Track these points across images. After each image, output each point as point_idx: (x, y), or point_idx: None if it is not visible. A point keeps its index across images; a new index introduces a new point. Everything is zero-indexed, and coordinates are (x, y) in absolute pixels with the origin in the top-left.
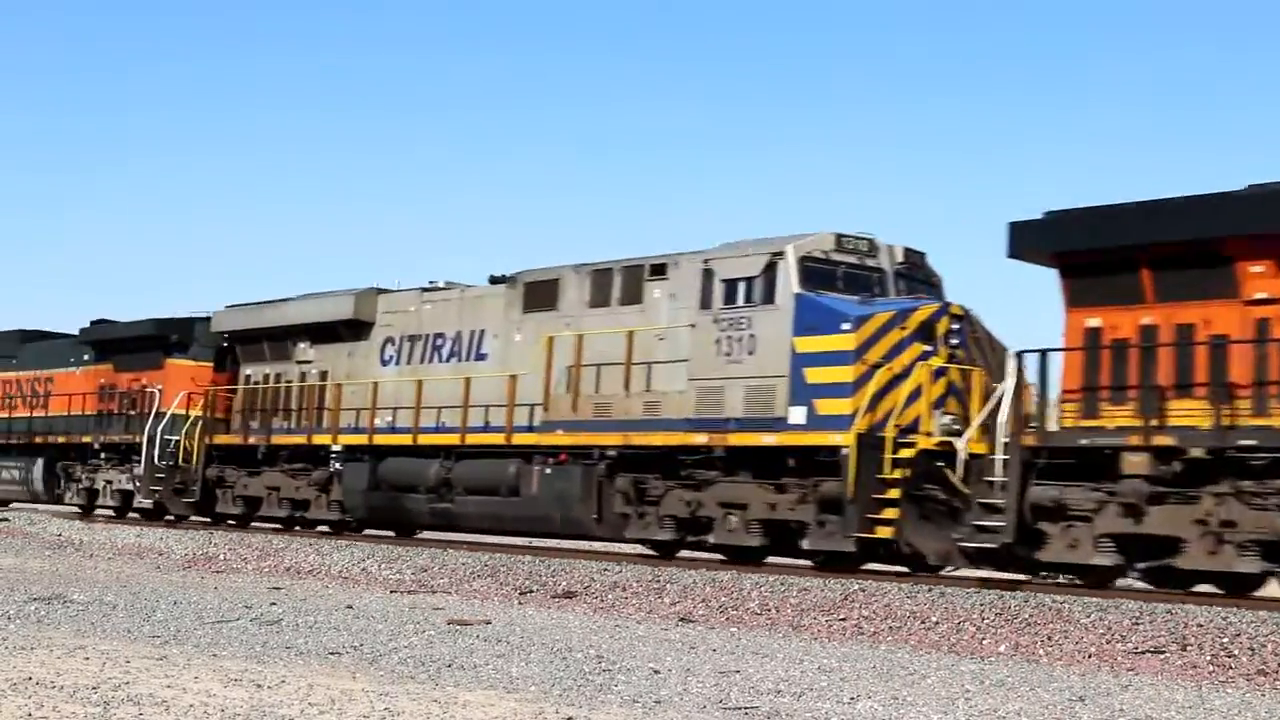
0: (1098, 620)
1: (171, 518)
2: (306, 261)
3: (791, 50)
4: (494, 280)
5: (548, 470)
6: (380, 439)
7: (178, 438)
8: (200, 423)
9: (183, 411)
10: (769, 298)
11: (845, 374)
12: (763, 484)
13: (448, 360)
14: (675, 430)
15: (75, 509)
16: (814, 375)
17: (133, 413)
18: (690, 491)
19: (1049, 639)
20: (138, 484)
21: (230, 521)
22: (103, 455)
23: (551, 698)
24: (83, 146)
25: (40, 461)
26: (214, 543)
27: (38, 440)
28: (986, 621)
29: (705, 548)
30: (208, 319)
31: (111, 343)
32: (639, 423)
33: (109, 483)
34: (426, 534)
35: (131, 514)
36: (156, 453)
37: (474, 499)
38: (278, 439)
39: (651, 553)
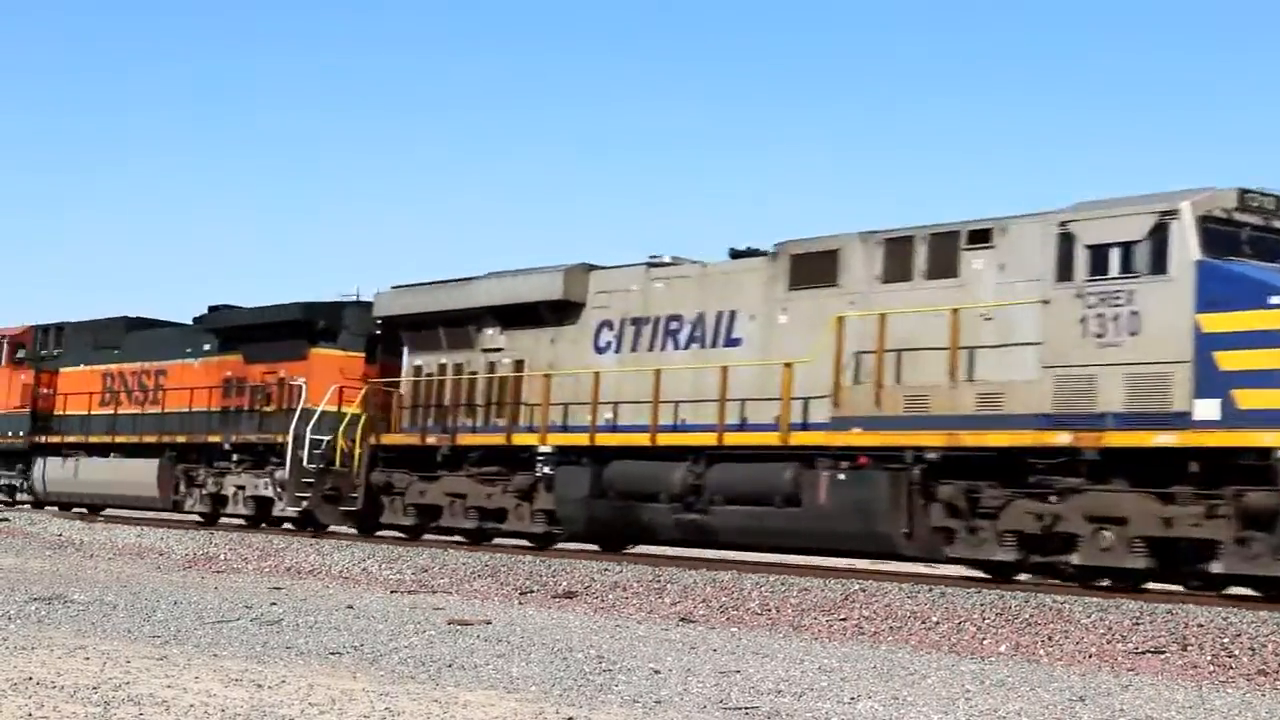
0: (1098, 620)
1: (321, 528)
2: (307, 261)
3: (790, 51)
4: (737, 254)
5: (840, 476)
6: (605, 439)
7: (328, 437)
8: (363, 421)
9: (333, 408)
10: (1158, 266)
11: (1277, 358)
12: (1148, 494)
13: (686, 347)
14: (1023, 428)
15: (196, 518)
16: (1229, 360)
17: (268, 409)
18: (1042, 502)
19: (1049, 639)
20: (279, 490)
21: (399, 534)
22: (235, 457)
23: (552, 698)
24: (85, 144)
25: (155, 464)
26: (214, 543)
27: (149, 440)
28: (987, 621)
29: (1062, 573)
30: (358, 303)
31: (241, 330)
32: (971, 419)
33: (240, 488)
34: (424, 535)
35: (265, 524)
36: (305, 455)
37: (736, 510)
38: (465, 439)
39: (980, 574)
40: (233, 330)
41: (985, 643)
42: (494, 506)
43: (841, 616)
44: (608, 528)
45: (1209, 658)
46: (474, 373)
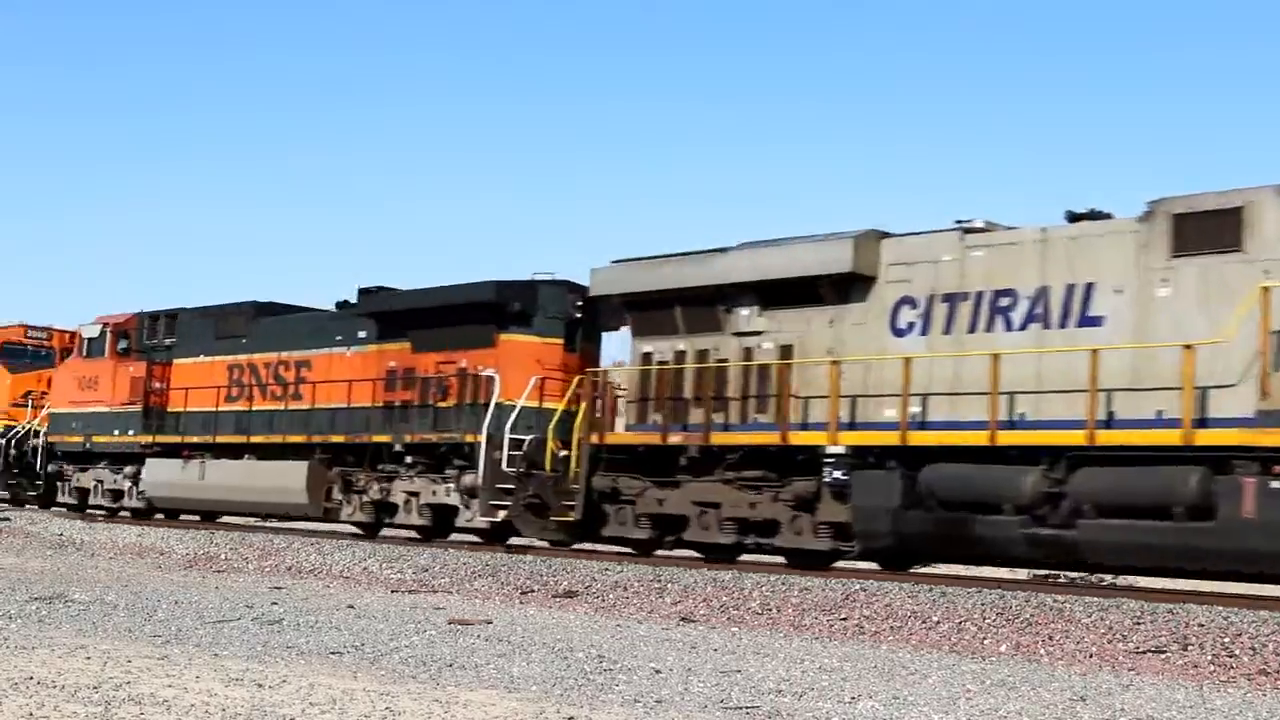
0: (1099, 620)
1: (519, 542)
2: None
3: (792, 49)
4: (1077, 217)
5: (1275, 484)
6: (922, 438)
7: (528, 436)
8: (581, 417)
9: (534, 403)
10: None
11: None
12: None
13: (1022, 327)
14: None
15: (352, 529)
16: None
17: (443, 404)
18: None
19: (1050, 639)
20: (467, 498)
21: (628, 550)
22: (408, 459)
23: (553, 697)
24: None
25: (304, 467)
26: (215, 542)
27: (295, 440)
28: (988, 621)
29: None
30: (555, 282)
31: (408, 315)
32: None
33: (413, 495)
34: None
35: (440, 537)
36: (504, 456)
37: (1113, 524)
38: (721, 438)
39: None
40: (398, 315)
41: (986, 642)
42: (760, 518)
43: (842, 616)
44: (931, 542)
45: (1210, 657)
46: (724, 360)
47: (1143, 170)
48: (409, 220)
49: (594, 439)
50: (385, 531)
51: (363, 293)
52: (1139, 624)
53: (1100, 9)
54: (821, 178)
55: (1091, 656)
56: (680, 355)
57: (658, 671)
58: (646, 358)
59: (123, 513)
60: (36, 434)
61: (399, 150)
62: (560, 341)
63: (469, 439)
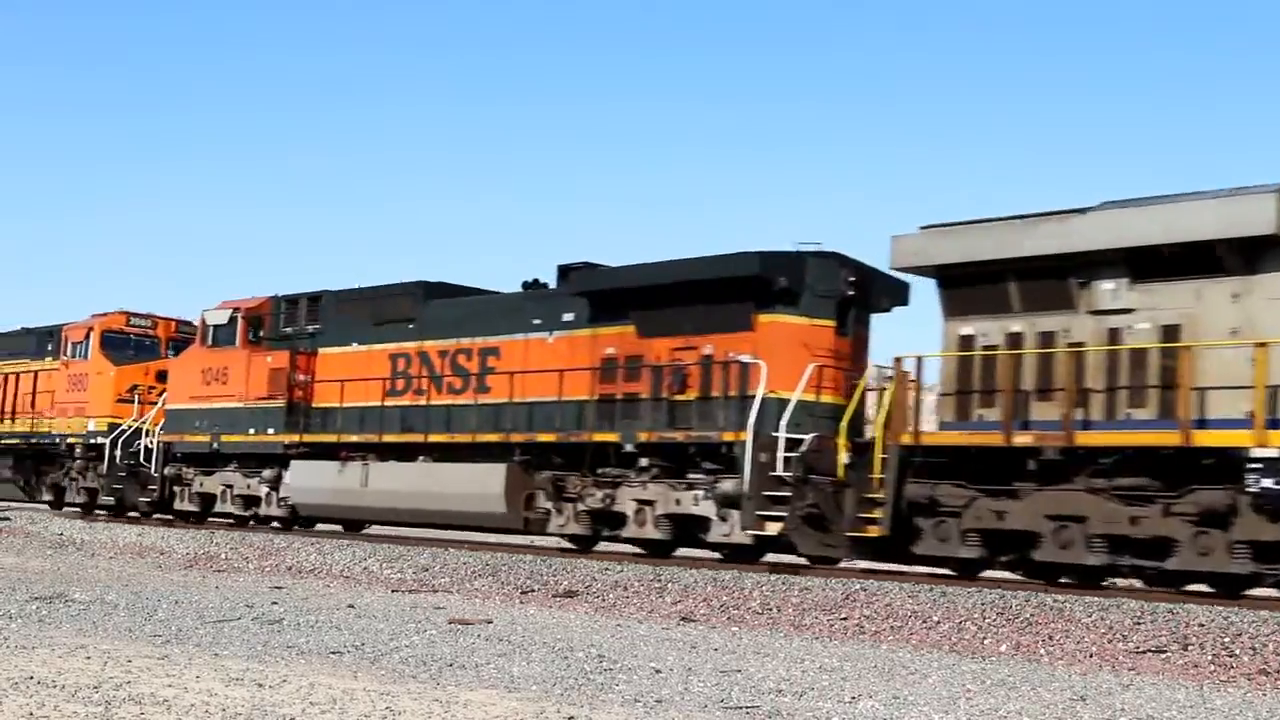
0: (1099, 620)
1: (802, 561)
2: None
3: (791, 49)
4: None
5: None
6: None
7: (808, 435)
8: (884, 412)
9: (810, 396)
10: None
11: None
12: None
13: None
14: None
15: (564, 542)
16: None
17: (681, 396)
18: None
19: (1050, 638)
20: (722, 507)
21: (945, 571)
22: (643, 462)
23: (553, 697)
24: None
25: (500, 471)
26: (215, 542)
27: (488, 439)
28: (988, 621)
29: None
30: (824, 255)
31: (633, 294)
32: None
33: (646, 504)
34: (428, 532)
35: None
36: (779, 460)
37: None
38: (1089, 438)
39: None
40: (619, 294)
41: (986, 642)
42: (1145, 536)
43: (842, 616)
44: None
45: (1210, 657)
46: (1079, 343)
47: (1141, 170)
48: (410, 220)
49: (905, 439)
50: (601, 545)
51: (565, 271)
52: (1139, 624)
53: (1104, 9)
54: (821, 178)
55: (1092, 656)
56: (1015, 338)
57: (658, 671)
58: (966, 341)
59: (256, 521)
60: (148, 433)
61: (399, 150)
62: (831, 324)
63: (728, 437)
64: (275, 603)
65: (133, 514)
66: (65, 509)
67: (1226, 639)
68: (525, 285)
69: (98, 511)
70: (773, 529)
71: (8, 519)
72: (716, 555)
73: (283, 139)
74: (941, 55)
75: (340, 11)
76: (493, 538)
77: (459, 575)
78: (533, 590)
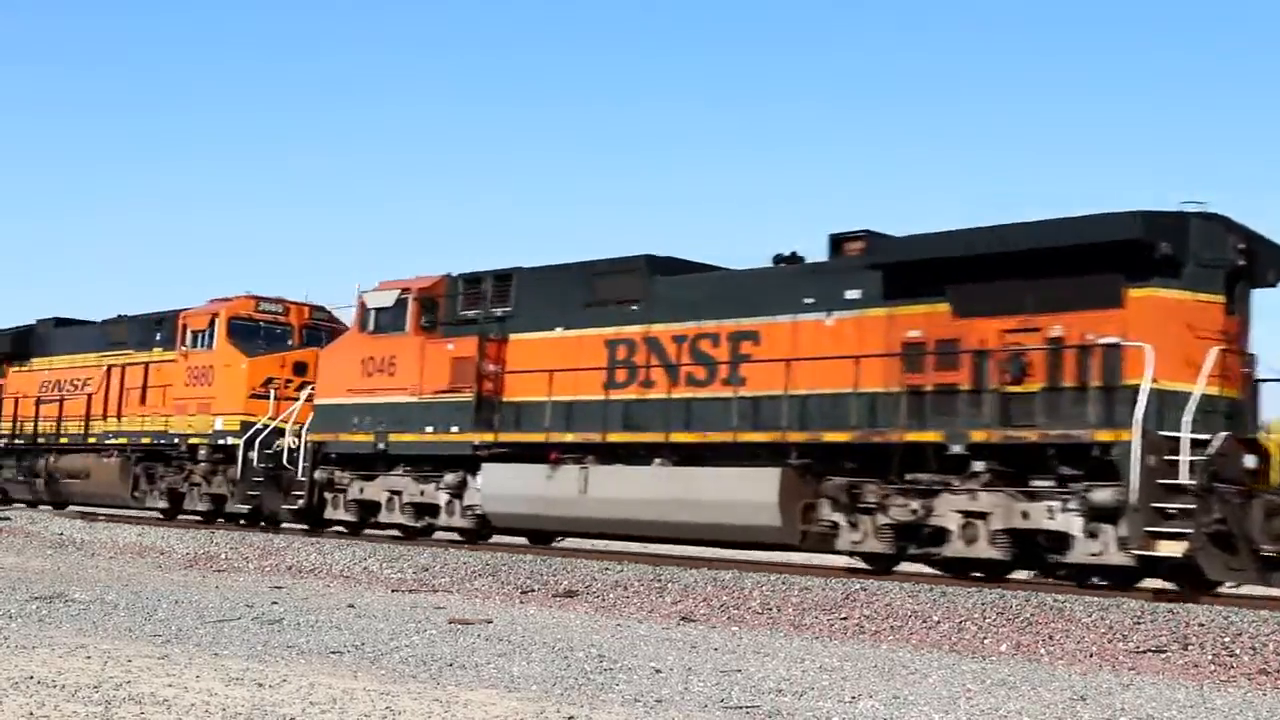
0: (1099, 619)
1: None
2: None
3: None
4: None
5: None
6: None
7: (1217, 435)
8: None
9: (1213, 389)
10: None
11: None
12: None
13: None
14: None
15: (856, 561)
16: None
17: (1017, 389)
18: None
19: (1050, 638)
20: (1090, 522)
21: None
22: (977, 467)
23: (553, 697)
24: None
25: (773, 477)
26: (215, 542)
27: (753, 439)
28: (988, 621)
29: None
30: (1209, 216)
31: (949, 264)
32: None
33: (978, 518)
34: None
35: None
36: (1184, 464)
37: None
38: None
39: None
40: (929, 265)
41: (986, 642)
42: None
43: (842, 616)
44: None
45: (1210, 657)
46: None
47: (1143, 171)
48: (411, 221)
49: None
50: (905, 565)
51: (840, 240)
52: (1139, 624)
53: (1102, 9)
54: (822, 177)
55: (1092, 656)
56: None
57: (658, 671)
58: None
59: (438, 533)
60: (291, 432)
61: (399, 151)
62: (1221, 299)
63: (1104, 437)
64: (275, 602)
65: (266, 524)
66: (178, 518)
67: (1226, 639)
68: (777, 259)
69: (220, 520)
70: (1170, 549)
71: (8, 518)
72: (1065, 579)
73: (292, 138)
74: (939, 55)
75: (361, 11)
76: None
77: (459, 575)
78: (533, 590)
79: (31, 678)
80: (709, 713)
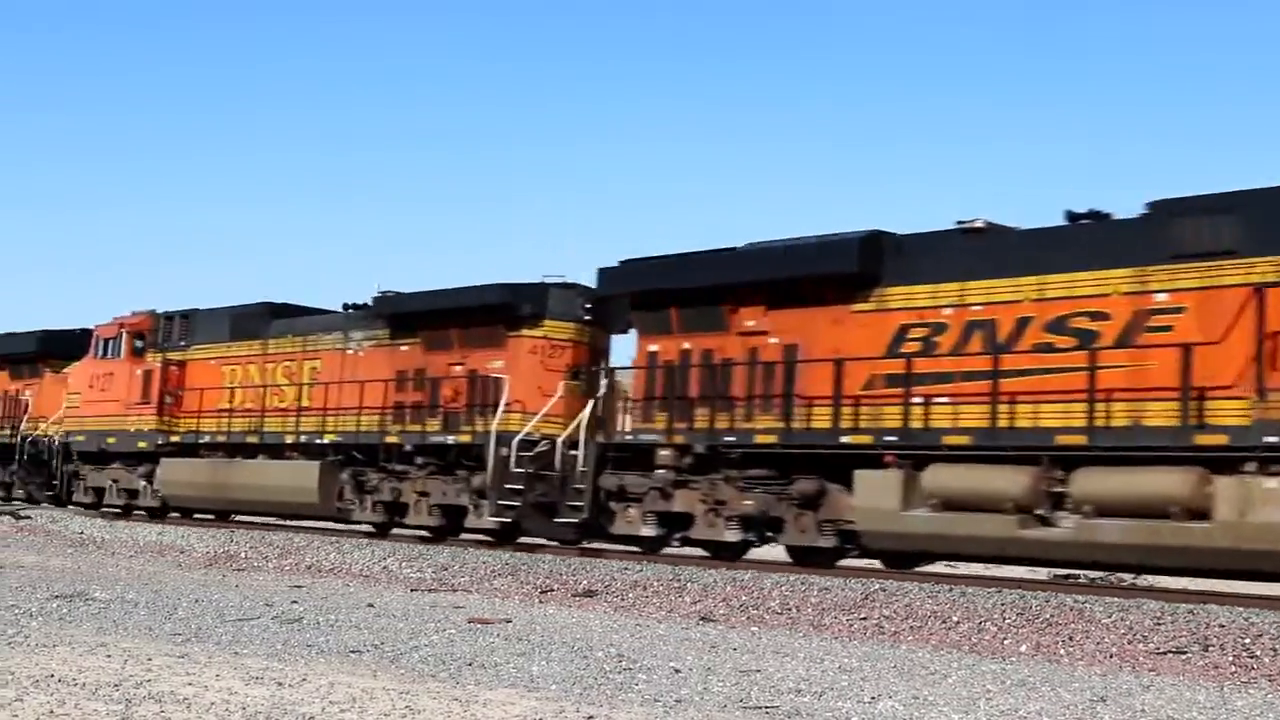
0: (1119, 620)
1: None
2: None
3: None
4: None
5: None
6: None
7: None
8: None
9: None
10: None
11: None
12: None
13: None
14: None
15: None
16: None
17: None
18: None
19: (1070, 639)
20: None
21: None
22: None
23: (572, 696)
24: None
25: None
26: (235, 541)
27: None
28: (1008, 621)
29: None
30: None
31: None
32: None
33: None
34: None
35: None
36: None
37: None
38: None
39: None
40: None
41: (1006, 642)
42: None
43: (862, 616)
44: None
45: (1231, 658)
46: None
47: (1138, 171)
48: (414, 220)
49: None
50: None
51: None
52: (1159, 624)
53: (1100, 10)
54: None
55: (1112, 657)
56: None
57: (677, 671)
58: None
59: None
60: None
61: (401, 151)
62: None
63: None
64: (295, 602)
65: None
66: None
67: (1247, 640)
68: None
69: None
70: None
71: (28, 516)
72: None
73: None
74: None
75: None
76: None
77: (478, 574)
78: (552, 589)
79: (52, 676)
80: (728, 713)
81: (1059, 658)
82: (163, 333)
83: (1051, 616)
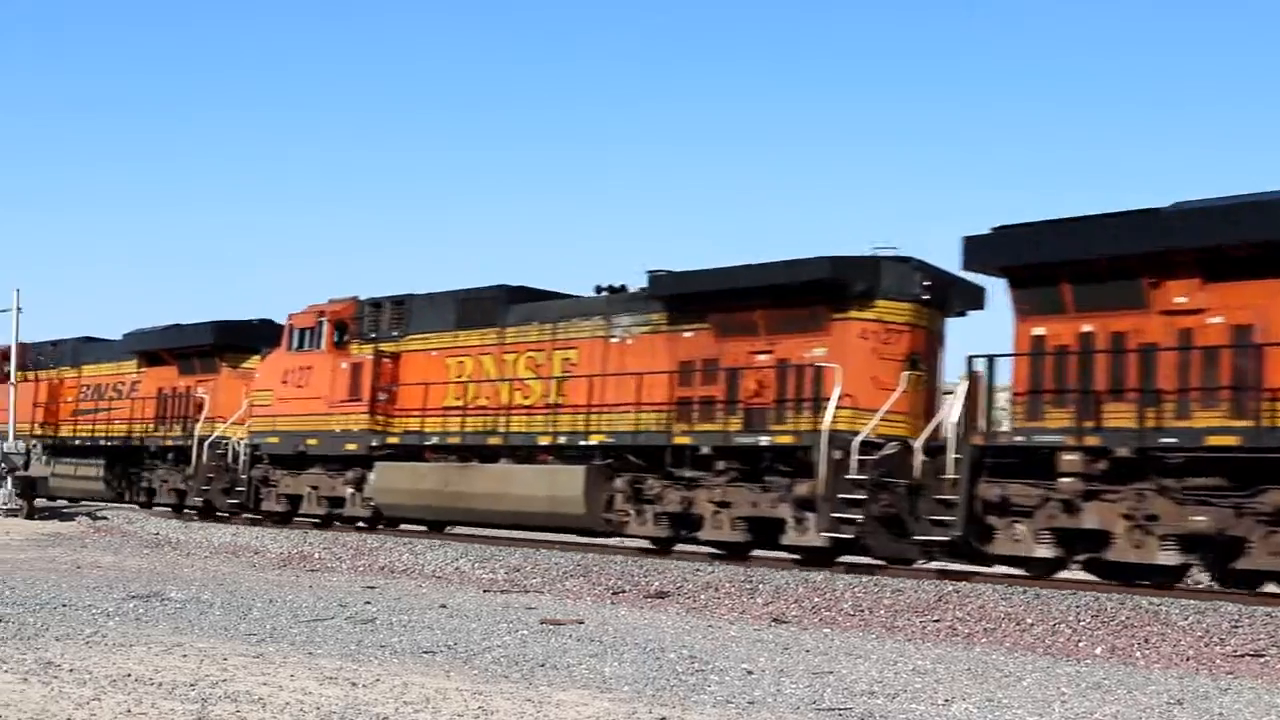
0: (1195, 623)
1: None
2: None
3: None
4: None
5: None
6: None
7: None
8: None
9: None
10: None
11: None
12: None
13: None
14: None
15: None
16: None
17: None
18: None
19: (1146, 641)
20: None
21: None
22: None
23: (645, 698)
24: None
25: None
26: (309, 542)
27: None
28: (1082, 624)
29: None
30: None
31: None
32: None
33: None
34: (518, 533)
35: None
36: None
37: None
38: None
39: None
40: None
41: (1081, 645)
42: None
43: (935, 618)
44: None
45: None
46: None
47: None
48: (412, 220)
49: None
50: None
51: None
52: (1237, 627)
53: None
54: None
55: (1188, 660)
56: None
57: (750, 672)
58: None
59: None
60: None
61: (402, 152)
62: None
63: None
64: (369, 602)
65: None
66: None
67: None
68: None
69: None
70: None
71: (105, 517)
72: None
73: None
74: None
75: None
76: None
77: (550, 576)
78: (624, 591)
79: (129, 675)
80: (801, 714)
81: (1134, 660)
82: (369, 321)
83: (1127, 619)
